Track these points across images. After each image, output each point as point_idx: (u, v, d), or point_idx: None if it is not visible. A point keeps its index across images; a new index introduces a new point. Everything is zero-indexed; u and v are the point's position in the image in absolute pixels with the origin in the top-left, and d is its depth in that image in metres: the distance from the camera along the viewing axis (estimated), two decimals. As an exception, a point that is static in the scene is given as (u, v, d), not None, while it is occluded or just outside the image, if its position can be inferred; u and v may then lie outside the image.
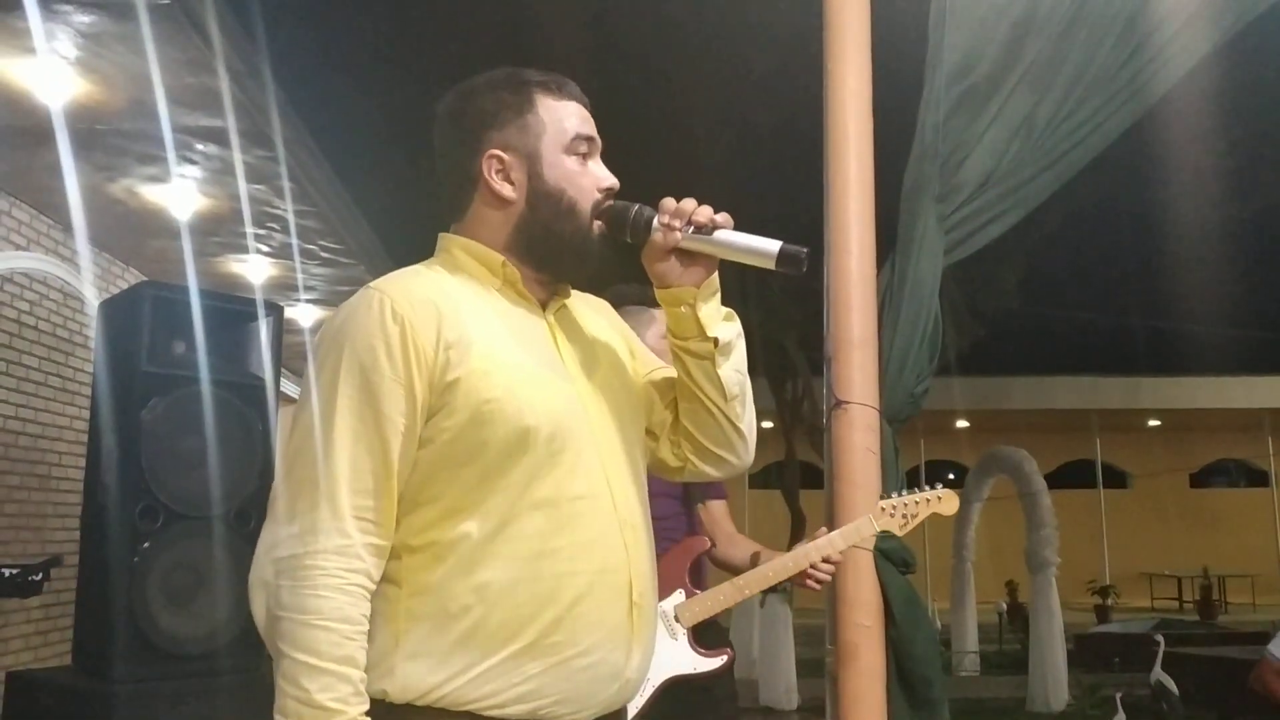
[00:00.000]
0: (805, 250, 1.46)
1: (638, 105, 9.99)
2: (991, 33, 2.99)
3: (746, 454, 1.65)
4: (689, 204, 1.49)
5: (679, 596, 2.61)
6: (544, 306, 1.57)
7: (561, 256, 1.54)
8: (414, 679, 1.37)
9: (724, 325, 1.55)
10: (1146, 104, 3.01)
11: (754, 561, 2.69)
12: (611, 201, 1.54)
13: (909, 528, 2.63)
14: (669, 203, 1.50)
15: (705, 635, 2.62)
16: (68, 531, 5.30)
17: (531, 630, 1.38)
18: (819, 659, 3.04)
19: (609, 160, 1.60)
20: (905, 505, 2.63)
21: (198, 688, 3.14)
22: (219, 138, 4.66)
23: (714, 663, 2.60)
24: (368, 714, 1.33)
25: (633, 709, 2.49)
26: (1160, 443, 21.37)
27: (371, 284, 1.45)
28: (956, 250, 3.03)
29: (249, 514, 3.40)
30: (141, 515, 3.18)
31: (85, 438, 3.64)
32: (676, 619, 2.58)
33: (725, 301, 1.58)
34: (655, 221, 1.50)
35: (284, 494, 1.38)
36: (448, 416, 1.40)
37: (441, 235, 1.59)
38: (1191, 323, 16.58)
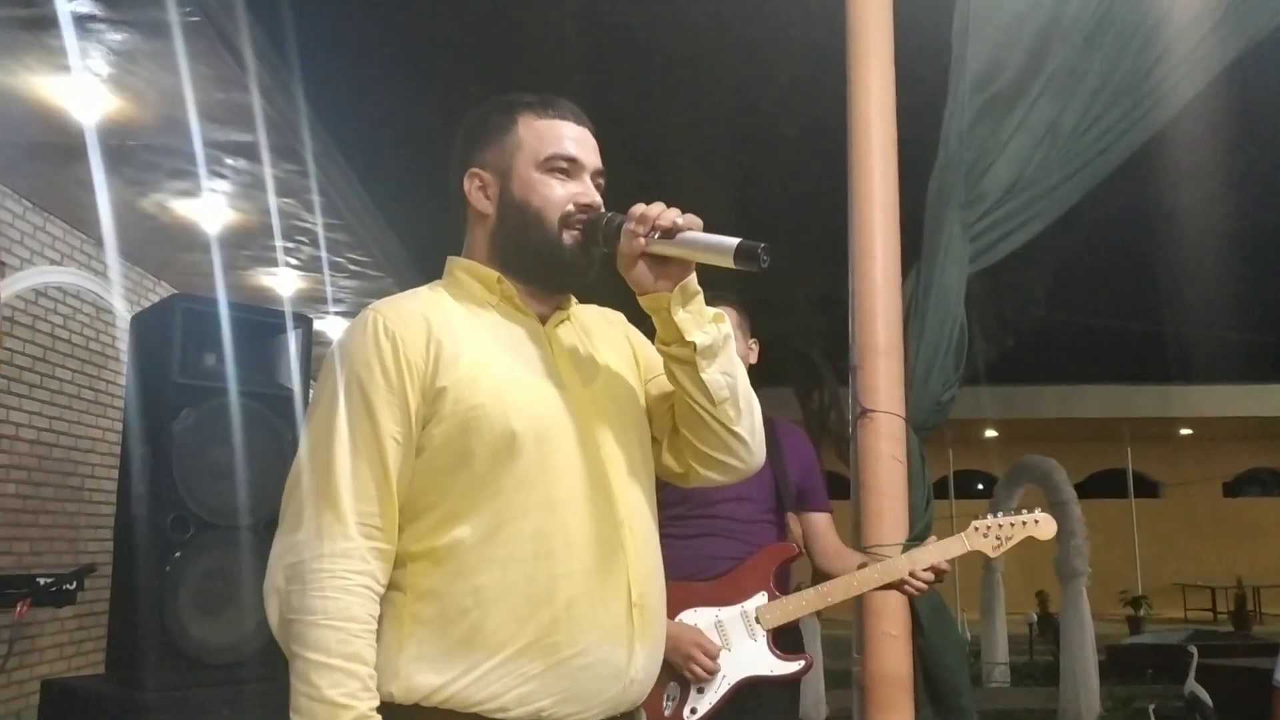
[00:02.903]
0: (763, 245, 1.45)
1: (661, 113, 10.01)
2: (1015, 41, 2.99)
3: (749, 457, 1.63)
4: (655, 208, 1.49)
5: (761, 598, 2.61)
6: (544, 320, 1.61)
7: (535, 266, 1.57)
8: (418, 680, 1.40)
9: (707, 328, 1.53)
10: (1172, 110, 3.00)
11: None
12: (586, 213, 1.56)
13: (1002, 549, 2.58)
14: (637, 209, 1.50)
15: (784, 640, 2.63)
16: (100, 542, 5.36)
17: (529, 631, 1.42)
18: (848, 670, 3.03)
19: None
20: (1000, 527, 2.58)
21: (227, 696, 3.16)
22: (248, 152, 4.71)
23: (791, 667, 2.60)
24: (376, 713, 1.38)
25: (706, 705, 2.51)
26: (1192, 451, 21.12)
27: (370, 305, 1.52)
28: (982, 258, 3.02)
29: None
30: (173, 525, 3.20)
31: (118, 449, 3.68)
32: (757, 620, 2.60)
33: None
34: (624, 228, 1.51)
35: (291, 504, 1.44)
36: (438, 424, 1.45)
37: (449, 258, 1.65)
38: (1223, 330, 16.40)
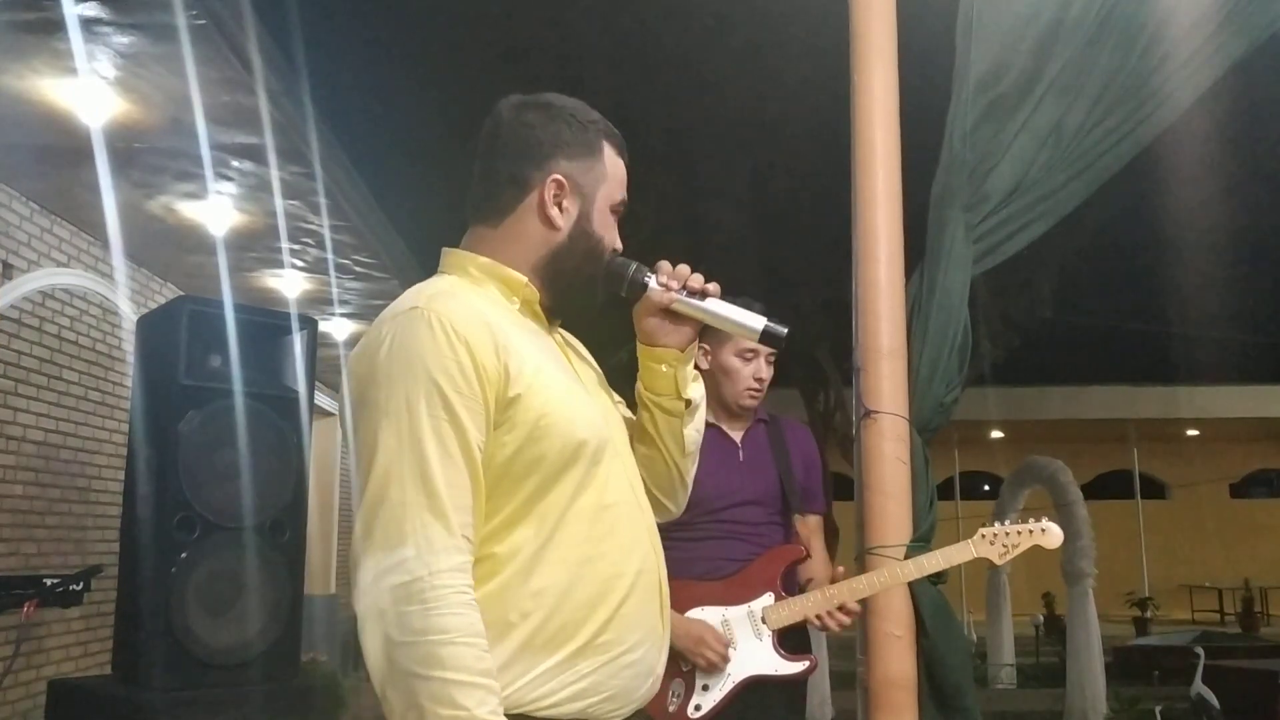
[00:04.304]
0: (786, 330, 1.60)
1: (667, 116, 10.02)
2: (1019, 41, 2.99)
3: (682, 504, 1.77)
4: (684, 269, 1.60)
5: (768, 599, 2.64)
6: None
7: (575, 293, 1.62)
8: None
9: (694, 386, 1.67)
10: (1177, 111, 2.99)
11: (811, 587, 2.70)
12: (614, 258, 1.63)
13: (1008, 557, 2.60)
14: (666, 265, 1.60)
15: (790, 640, 2.64)
16: (108, 543, 5.38)
17: (586, 631, 1.44)
18: (854, 671, 3.03)
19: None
20: (1006, 535, 2.60)
21: (233, 697, 3.17)
22: (255, 155, 4.73)
23: (796, 667, 2.63)
24: None
25: (711, 702, 2.53)
26: (1199, 452, 21.07)
27: (417, 305, 1.45)
28: (985, 259, 3.02)
29: (284, 525, 3.44)
30: (179, 526, 3.22)
31: (125, 451, 3.70)
32: (763, 620, 2.61)
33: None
34: (653, 281, 1.60)
35: (382, 519, 1.36)
36: (508, 431, 1.44)
37: (452, 251, 1.62)
38: (1230, 331, 16.37)
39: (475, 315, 1.46)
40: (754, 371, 2.77)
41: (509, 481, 1.44)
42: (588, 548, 1.46)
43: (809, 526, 2.90)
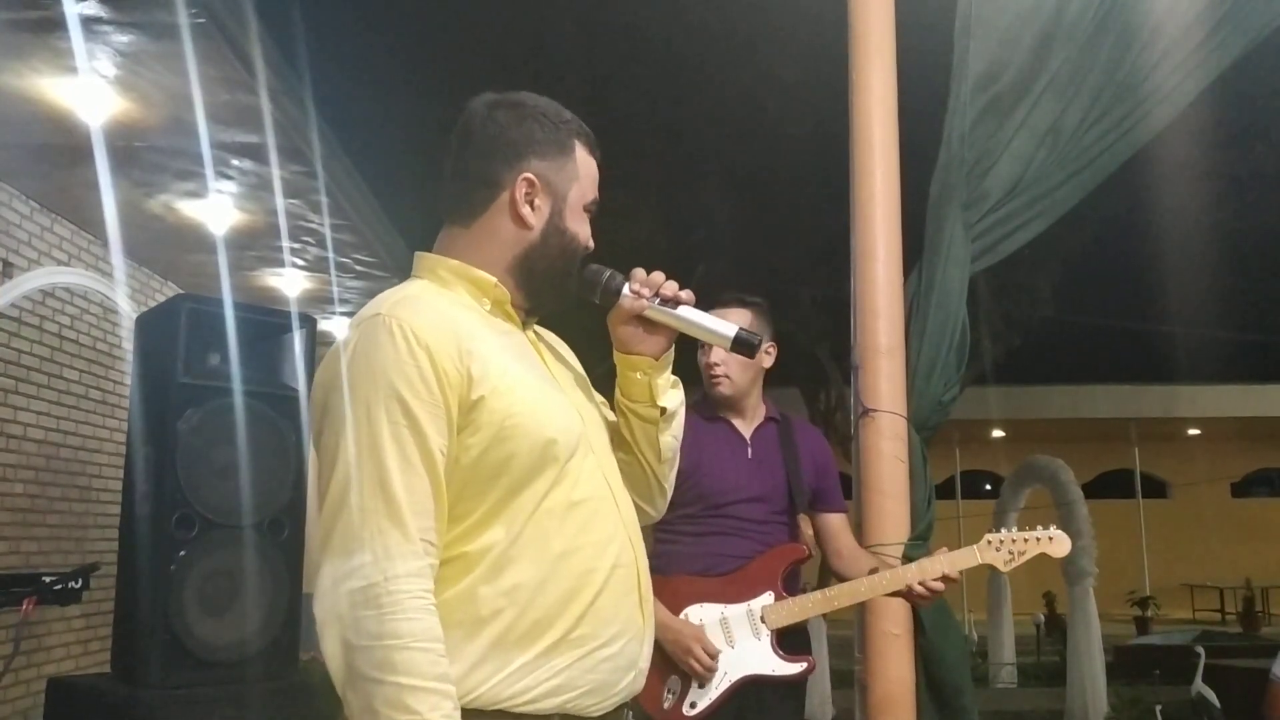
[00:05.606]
0: (759, 336, 1.64)
1: (666, 115, 10.02)
2: (1017, 40, 2.99)
3: (661, 510, 1.77)
4: (658, 276, 1.61)
5: (768, 598, 2.63)
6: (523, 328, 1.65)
7: (550, 291, 1.62)
8: None
9: (671, 393, 1.67)
10: (1176, 109, 2.99)
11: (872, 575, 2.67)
12: (588, 263, 1.64)
13: (1014, 564, 2.59)
14: (640, 272, 1.61)
15: (789, 641, 2.64)
16: (108, 542, 5.38)
17: (559, 626, 1.44)
18: (854, 670, 3.03)
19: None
20: (1013, 542, 2.58)
21: (232, 695, 3.18)
22: (255, 153, 4.73)
23: (794, 668, 2.62)
24: None
25: (706, 700, 2.52)
26: (1200, 452, 21.04)
27: (381, 312, 1.46)
28: (984, 258, 3.02)
29: (282, 523, 3.44)
30: (177, 524, 3.22)
31: (125, 449, 3.70)
32: (762, 620, 2.61)
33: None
34: (626, 288, 1.61)
35: (341, 525, 1.38)
36: (473, 434, 1.44)
37: (423, 255, 1.63)
38: (1231, 330, 16.36)
39: (439, 320, 1.46)
40: (703, 358, 2.79)
41: (478, 483, 1.44)
42: (561, 543, 1.46)
43: (834, 525, 2.86)
